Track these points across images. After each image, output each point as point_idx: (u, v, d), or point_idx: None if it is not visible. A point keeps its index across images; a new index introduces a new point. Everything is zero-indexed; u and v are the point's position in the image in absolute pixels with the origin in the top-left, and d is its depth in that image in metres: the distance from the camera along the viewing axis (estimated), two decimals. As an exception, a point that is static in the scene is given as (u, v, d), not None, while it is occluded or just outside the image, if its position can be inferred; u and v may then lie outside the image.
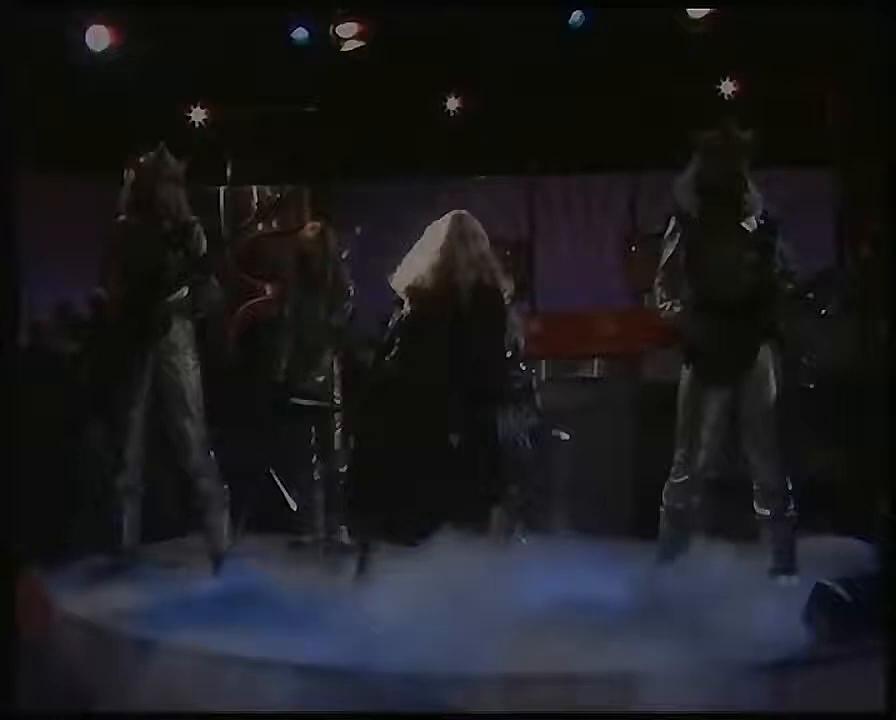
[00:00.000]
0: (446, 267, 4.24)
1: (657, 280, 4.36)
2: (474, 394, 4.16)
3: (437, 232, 4.36)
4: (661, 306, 4.30)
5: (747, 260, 4.21)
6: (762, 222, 4.24)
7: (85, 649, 3.45)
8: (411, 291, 4.28)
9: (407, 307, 4.29)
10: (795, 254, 4.67)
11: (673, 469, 4.25)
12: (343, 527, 5.44)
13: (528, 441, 5.71)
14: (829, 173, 8.52)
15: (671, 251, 4.32)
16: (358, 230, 5.62)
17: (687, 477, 4.20)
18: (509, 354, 4.71)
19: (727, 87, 8.08)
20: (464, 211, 4.44)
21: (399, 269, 4.35)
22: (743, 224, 4.23)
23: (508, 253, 6.75)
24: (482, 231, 4.40)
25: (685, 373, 4.26)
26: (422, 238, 4.40)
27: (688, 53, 7.47)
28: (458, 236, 4.29)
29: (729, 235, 4.22)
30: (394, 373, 4.24)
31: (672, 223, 4.33)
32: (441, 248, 4.28)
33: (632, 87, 7.72)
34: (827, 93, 8.36)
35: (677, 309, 4.22)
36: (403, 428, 4.17)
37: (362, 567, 4.20)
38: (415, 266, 4.31)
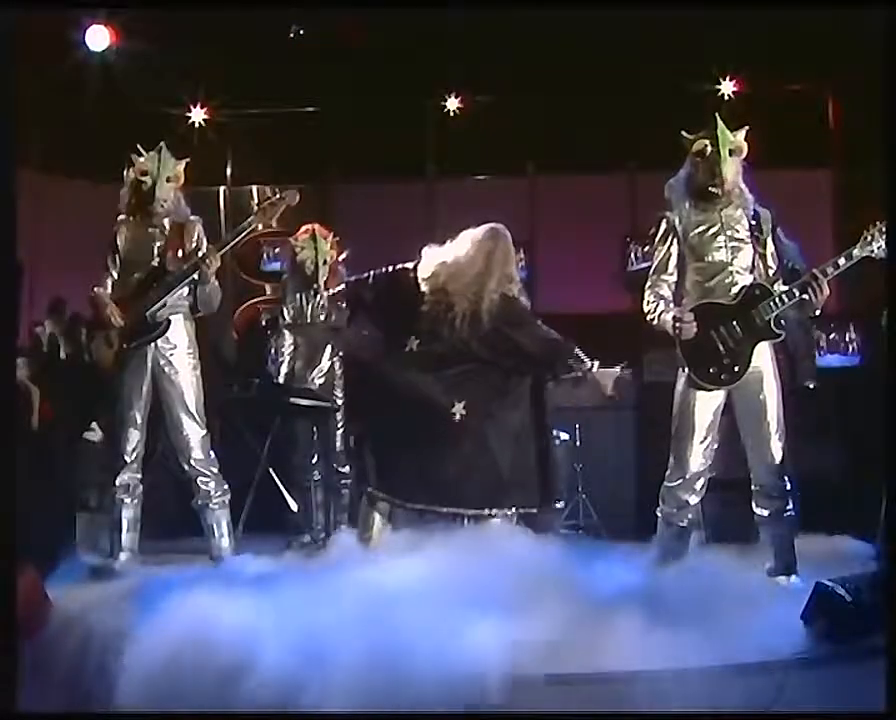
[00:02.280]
0: (477, 284, 4.30)
1: (647, 283, 4.34)
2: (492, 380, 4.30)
3: (474, 246, 4.37)
4: (646, 309, 4.28)
5: (739, 261, 4.21)
6: (753, 223, 4.24)
7: (84, 648, 3.45)
8: (438, 292, 4.32)
9: (428, 302, 4.34)
10: (790, 254, 4.66)
11: (668, 472, 4.25)
12: (343, 527, 5.45)
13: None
14: (829, 173, 8.54)
15: (662, 253, 4.31)
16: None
17: (682, 480, 4.20)
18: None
19: (727, 87, 8.10)
20: (501, 226, 4.45)
21: (427, 261, 4.38)
22: (735, 225, 4.23)
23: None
24: (513, 250, 4.44)
25: (681, 375, 4.25)
26: (457, 243, 4.41)
27: (688, 53, 7.49)
28: (495, 259, 4.34)
29: (721, 237, 4.21)
30: (413, 355, 4.31)
31: (663, 225, 4.32)
32: (476, 263, 4.32)
33: (632, 87, 7.73)
34: (826, 93, 8.38)
35: (667, 315, 4.19)
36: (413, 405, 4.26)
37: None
38: (444, 264, 4.34)
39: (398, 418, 4.28)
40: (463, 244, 4.41)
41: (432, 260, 4.40)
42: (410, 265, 4.44)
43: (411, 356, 4.32)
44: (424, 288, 4.36)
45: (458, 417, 4.23)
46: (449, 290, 4.31)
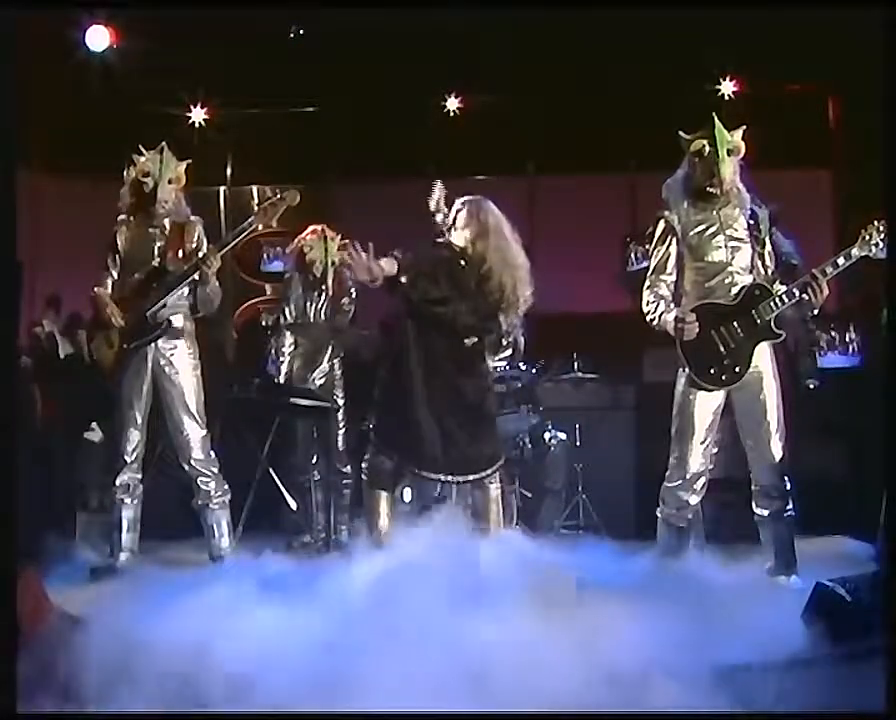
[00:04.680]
0: (513, 262, 4.27)
1: (646, 284, 4.34)
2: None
3: (476, 228, 4.34)
4: (646, 310, 4.28)
5: (738, 261, 4.22)
6: (751, 222, 4.24)
7: (83, 649, 3.45)
8: (486, 274, 4.25)
9: (479, 287, 4.25)
10: (786, 248, 4.67)
11: (668, 472, 4.25)
12: (343, 527, 5.45)
13: (528, 441, 5.73)
14: (829, 173, 8.54)
15: (661, 253, 4.31)
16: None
17: (682, 480, 4.20)
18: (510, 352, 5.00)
19: (727, 87, 8.10)
20: (502, 217, 4.39)
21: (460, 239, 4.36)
22: (734, 225, 4.23)
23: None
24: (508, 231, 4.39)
25: (681, 375, 4.25)
26: (458, 224, 4.36)
27: (688, 53, 7.49)
28: (497, 248, 4.29)
29: (720, 237, 4.22)
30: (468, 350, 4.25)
31: (662, 225, 4.32)
32: (477, 246, 4.27)
33: (632, 87, 7.73)
34: (826, 93, 8.39)
35: (668, 316, 4.19)
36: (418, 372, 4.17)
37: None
38: (477, 244, 4.32)
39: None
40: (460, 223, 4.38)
41: (464, 240, 4.32)
42: (452, 241, 4.34)
43: (466, 351, 4.21)
44: (474, 270, 4.24)
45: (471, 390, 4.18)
46: (496, 271, 4.23)
